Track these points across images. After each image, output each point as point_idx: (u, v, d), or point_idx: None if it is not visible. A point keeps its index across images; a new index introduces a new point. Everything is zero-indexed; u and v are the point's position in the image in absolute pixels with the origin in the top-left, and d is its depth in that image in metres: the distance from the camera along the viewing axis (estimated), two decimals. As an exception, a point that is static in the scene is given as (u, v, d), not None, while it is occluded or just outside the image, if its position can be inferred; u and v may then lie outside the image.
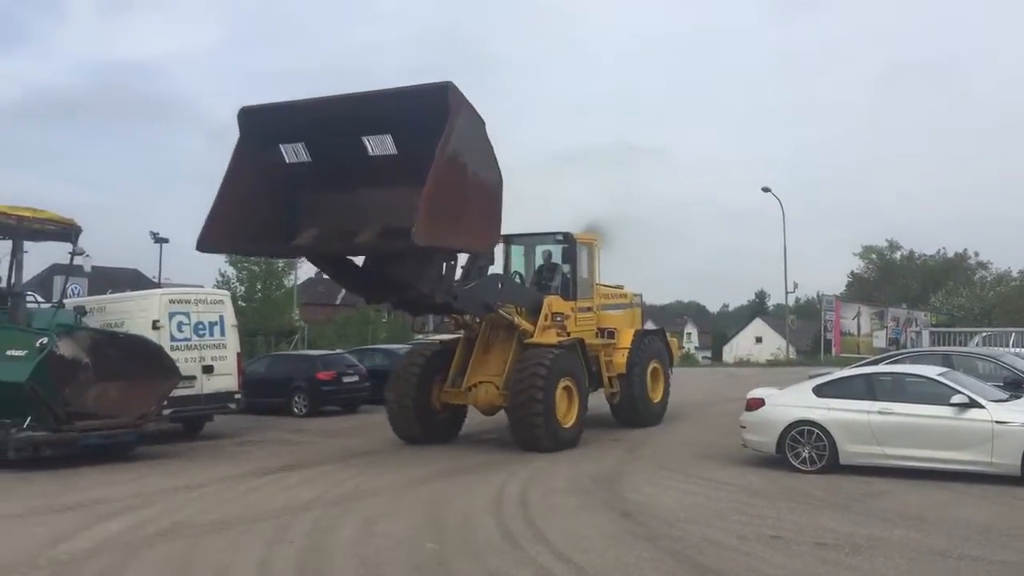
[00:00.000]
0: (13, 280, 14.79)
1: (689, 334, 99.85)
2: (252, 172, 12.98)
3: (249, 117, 13.00)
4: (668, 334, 18.85)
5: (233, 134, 13.06)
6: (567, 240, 16.48)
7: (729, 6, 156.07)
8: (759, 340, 78.87)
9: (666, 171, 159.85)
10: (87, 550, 8.14)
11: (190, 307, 16.55)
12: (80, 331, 14.21)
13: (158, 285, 36.29)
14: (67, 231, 14.19)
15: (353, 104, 12.42)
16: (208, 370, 16.46)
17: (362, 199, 12.80)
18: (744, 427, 12.61)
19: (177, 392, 15.00)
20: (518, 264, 16.99)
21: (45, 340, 12.99)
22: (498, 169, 12.69)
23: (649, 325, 22.22)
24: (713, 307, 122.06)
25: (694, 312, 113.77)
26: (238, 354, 17.24)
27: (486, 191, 12.54)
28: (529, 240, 17.07)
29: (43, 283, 29.67)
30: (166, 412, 15.07)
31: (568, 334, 15.50)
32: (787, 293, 47.91)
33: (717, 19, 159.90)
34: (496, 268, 15.62)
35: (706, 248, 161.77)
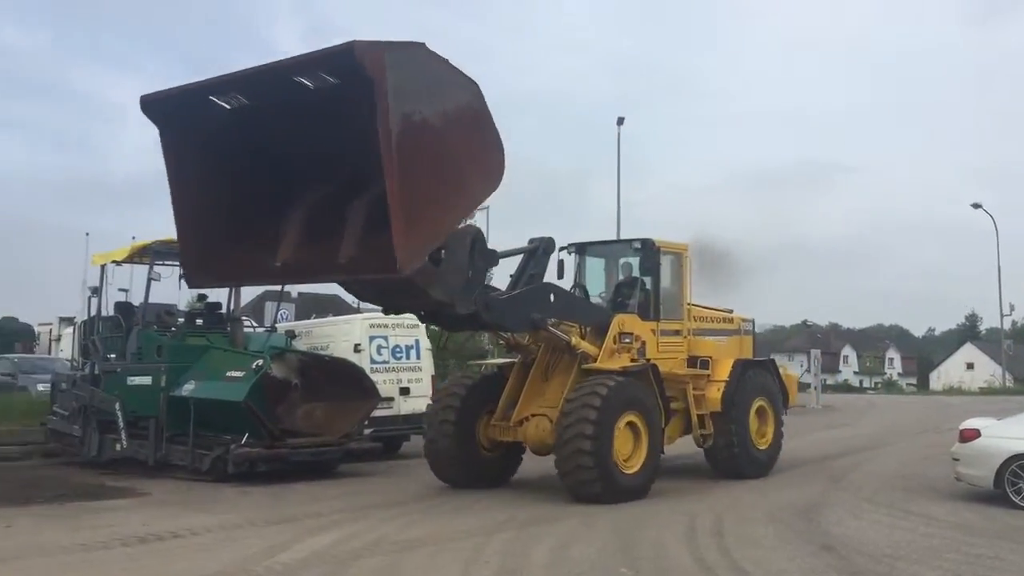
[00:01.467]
0: (232, 306, 16.23)
1: (891, 360, 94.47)
2: (194, 181, 10.24)
3: (155, 107, 9.95)
4: (782, 368, 16.26)
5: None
6: (645, 248, 13.95)
7: (922, 14, 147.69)
8: (970, 367, 73.94)
9: (857, 188, 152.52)
10: (299, 560, 8.59)
11: (388, 331, 17.34)
12: (290, 354, 15.28)
13: (357, 310, 37.98)
14: None
15: (265, 82, 9.30)
16: (405, 391, 17.18)
17: (330, 201, 10.12)
18: (957, 459, 11.81)
19: (377, 412, 15.65)
20: (596, 279, 14.83)
21: (260, 362, 13.91)
22: (463, 80, 9.51)
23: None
24: (918, 331, 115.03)
25: (896, 336, 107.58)
26: (432, 376, 17.84)
27: (466, 119, 9.54)
28: (606, 250, 15.06)
29: (255, 309, 31.82)
30: (367, 431, 15.77)
31: (647, 361, 13.26)
32: (1002, 316, 44.63)
33: (910, 28, 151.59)
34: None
35: (907, 269, 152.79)
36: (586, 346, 12.96)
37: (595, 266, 14.98)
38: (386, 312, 12.36)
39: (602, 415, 11.62)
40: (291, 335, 17.06)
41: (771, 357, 16.19)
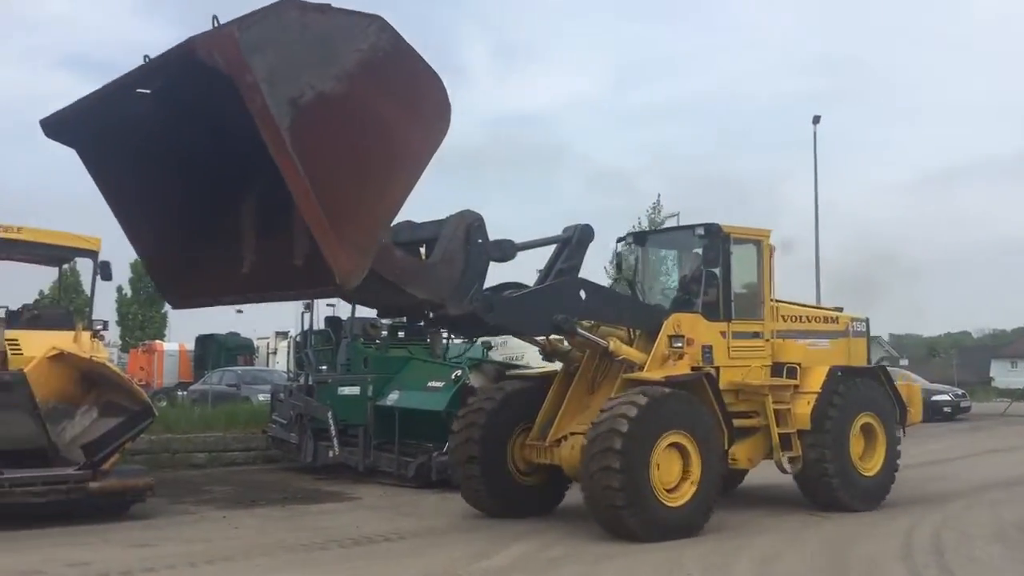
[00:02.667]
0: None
1: None
2: (135, 196, 8.64)
3: (61, 128, 8.15)
4: (901, 378, 13.94)
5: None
6: (711, 235, 11.45)
7: None
8: None
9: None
10: (502, 568, 8.84)
11: None
12: (487, 364, 15.23)
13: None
14: None
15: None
16: None
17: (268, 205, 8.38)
18: None
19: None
20: (665, 274, 12.82)
21: (459, 372, 13.97)
22: (359, 20, 7.35)
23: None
24: None
25: None
26: None
27: (377, 67, 7.30)
28: (673, 239, 12.64)
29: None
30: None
31: (715, 368, 11.22)
32: None
33: None
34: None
35: None
36: (629, 352, 10.89)
37: (664, 259, 12.82)
38: (380, 317, 10.70)
39: (633, 436, 9.54)
40: (487, 346, 17.45)
41: (880, 363, 13.39)
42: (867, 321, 13.77)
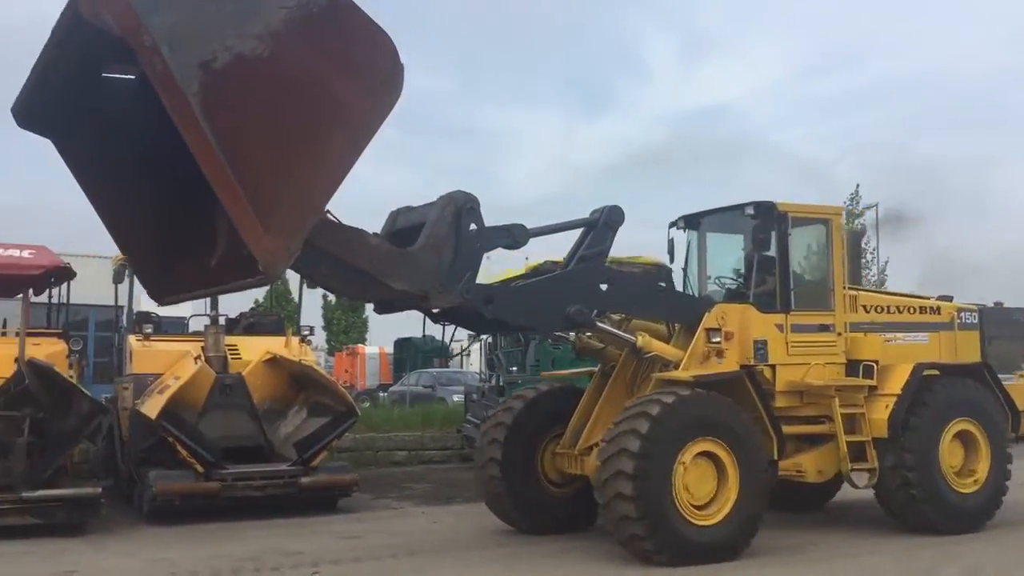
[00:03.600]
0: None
1: None
2: (112, 184, 7.84)
3: (32, 117, 7.32)
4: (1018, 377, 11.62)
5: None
6: (762, 214, 9.99)
7: None
8: None
9: None
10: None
11: None
12: None
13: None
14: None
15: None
16: None
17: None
18: None
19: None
20: (722, 260, 11.00)
21: None
22: None
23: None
24: None
25: None
26: None
27: (312, 23, 6.35)
28: (725, 221, 10.86)
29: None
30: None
31: (771, 367, 9.83)
32: None
33: None
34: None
35: None
36: (662, 348, 9.62)
37: (720, 244, 11.27)
38: (378, 311, 9.79)
39: (650, 445, 8.31)
40: None
41: (983, 361, 11.45)
42: (980, 312, 11.91)
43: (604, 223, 9.66)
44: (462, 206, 8.37)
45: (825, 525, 10.88)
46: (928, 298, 11.74)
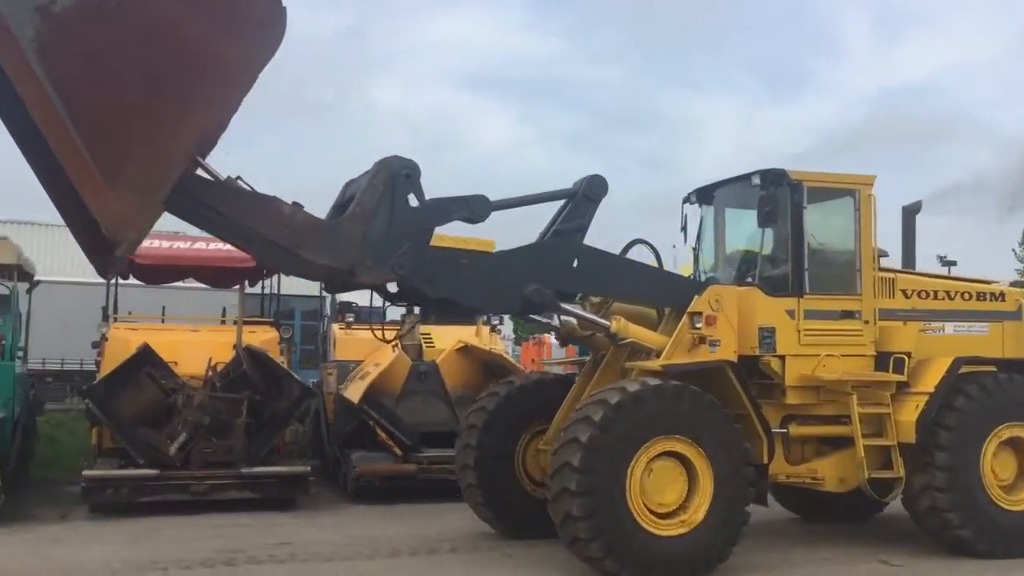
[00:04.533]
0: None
1: None
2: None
3: None
4: None
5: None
6: (770, 184, 8.75)
7: None
8: None
9: None
10: None
11: None
12: None
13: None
14: None
15: None
16: None
17: None
18: None
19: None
20: (737, 237, 9.62)
21: None
22: None
23: None
24: None
25: None
26: None
27: None
28: (739, 194, 9.39)
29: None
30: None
31: (779, 357, 8.59)
32: None
33: None
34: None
35: None
36: (642, 334, 8.53)
37: (734, 219, 9.84)
38: (327, 290, 9.05)
39: (598, 447, 7.29)
40: None
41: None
42: (1053, 294, 10.16)
43: (584, 195, 8.67)
44: (396, 173, 7.60)
45: (850, 538, 9.49)
46: (993, 282, 10.10)
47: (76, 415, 15.29)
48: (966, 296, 9.68)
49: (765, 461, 8.15)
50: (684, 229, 10.05)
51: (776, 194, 8.82)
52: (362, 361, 12.81)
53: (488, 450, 9.28)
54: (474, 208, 8.14)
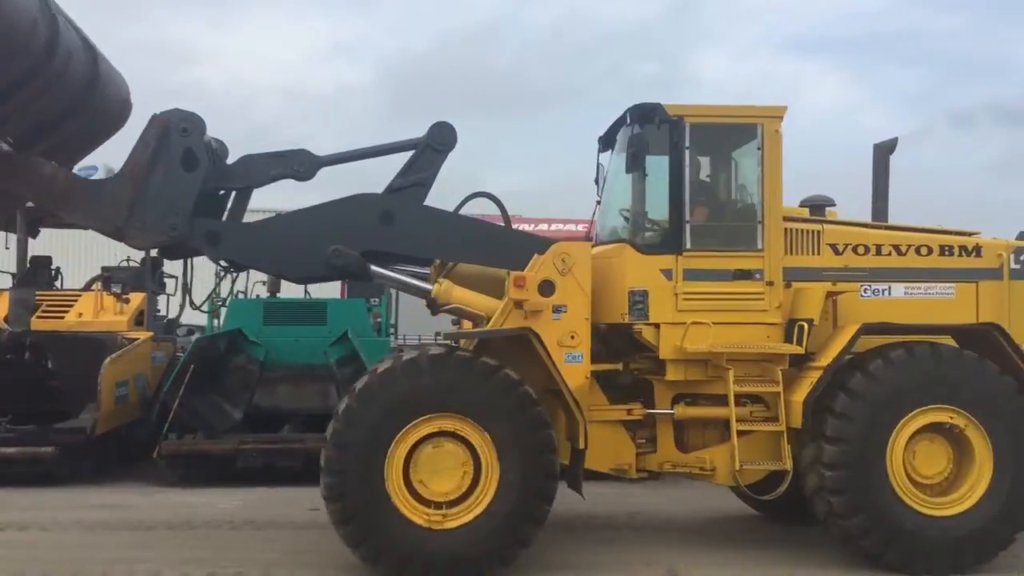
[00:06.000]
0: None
1: None
2: None
3: None
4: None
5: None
6: (641, 120, 7.47)
7: None
8: None
9: None
10: None
11: None
12: None
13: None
14: None
15: None
16: None
17: None
18: None
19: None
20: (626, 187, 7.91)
21: None
22: None
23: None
24: None
25: None
26: None
27: None
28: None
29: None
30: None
31: (655, 327, 7.30)
32: None
33: None
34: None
35: None
36: (467, 300, 7.47)
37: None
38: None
39: (354, 416, 6.48)
40: None
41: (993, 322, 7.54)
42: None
43: (429, 144, 7.71)
44: (172, 126, 7.04)
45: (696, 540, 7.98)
46: (971, 233, 8.14)
47: None
48: (924, 251, 7.84)
49: (581, 446, 6.91)
50: (598, 180, 8.80)
51: (646, 134, 7.46)
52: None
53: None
54: (292, 164, 7.46)
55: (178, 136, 7.03)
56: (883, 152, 8.78)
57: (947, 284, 7.79)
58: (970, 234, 8.09)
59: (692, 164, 7.55)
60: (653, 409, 7.55)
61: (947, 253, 7.84)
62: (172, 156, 7.02)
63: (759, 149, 7.55)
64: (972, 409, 6.94)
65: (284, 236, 7.35)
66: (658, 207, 7.65)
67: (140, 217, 6.96)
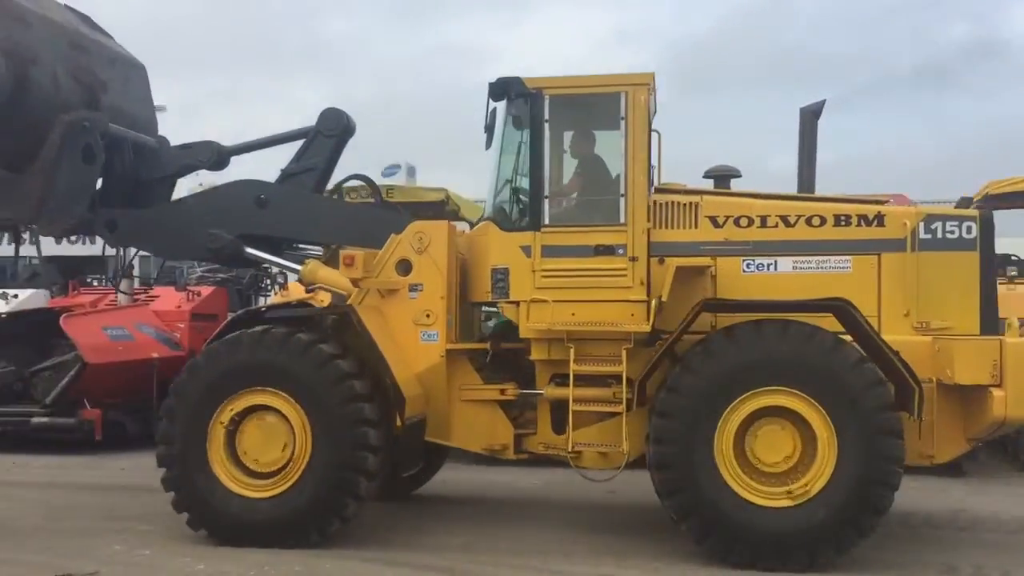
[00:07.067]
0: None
1: None
2: None
3: None
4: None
5: None
6: (497, 94, 7.31)
7: None
8: None
9: None
10: None
11: None
12: None
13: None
14: None
15: None
16: None
17: None
18: None
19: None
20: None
21: None
22: None
23: None
24: None
25: None
26: None
27: None
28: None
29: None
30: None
31: (515, 304, 7.20)
32: None
33: None
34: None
35: None
36: (331, 279, 7.71)
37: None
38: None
39: (183, 388, 6.99)
40: None
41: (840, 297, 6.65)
42: (981, 218, 7.15)
43: (318, 131, 8.10)
44: (73, 124, 7.84)
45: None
46: (877, 201, 7.39)
47: None
48: (815, 221, 7.23)
49: (401, 422, 6.99)
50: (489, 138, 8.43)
51: (503, 108, 7.41)
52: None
53: None
54: (199, 155, 8.12)
55: (79, 131, 7.81)
56: (809, 116, 8.16)
57: (843, 257, 7.15)
58: (880, 203, 7.37)
59: (554, 138, 7.41)
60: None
61: (843, 223, 7.18)
62: (75, 152, 7.82)
63: (622, 119, 7.27)
64: (816, 394, 6.38)
65: (175, 223, 7.97)
66: (520, 183, 7.58)
67: (49, 208, 7.81)
